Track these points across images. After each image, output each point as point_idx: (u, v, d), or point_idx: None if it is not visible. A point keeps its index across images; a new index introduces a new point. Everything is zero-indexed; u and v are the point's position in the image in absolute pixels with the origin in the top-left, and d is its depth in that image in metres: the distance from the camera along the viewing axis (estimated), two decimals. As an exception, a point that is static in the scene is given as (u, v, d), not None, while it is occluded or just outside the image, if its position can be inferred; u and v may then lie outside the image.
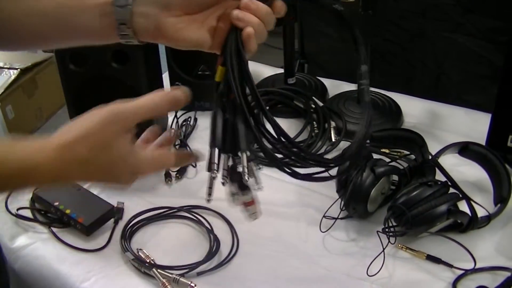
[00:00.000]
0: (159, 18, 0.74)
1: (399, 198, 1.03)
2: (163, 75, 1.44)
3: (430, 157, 1.15)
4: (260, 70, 1.70)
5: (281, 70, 1.60)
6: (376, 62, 1.37)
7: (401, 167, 1.15)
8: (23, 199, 1.22)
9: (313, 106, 1.42)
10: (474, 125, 1.37)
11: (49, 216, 1.17)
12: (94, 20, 0.75)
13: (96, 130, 0.68)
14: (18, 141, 0.68)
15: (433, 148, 1.18)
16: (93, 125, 0.68)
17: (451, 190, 1.04)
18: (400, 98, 1.48)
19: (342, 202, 1.09)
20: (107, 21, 0.74)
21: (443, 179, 1.06)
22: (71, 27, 0.76)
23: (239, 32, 0.73)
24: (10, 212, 1.17)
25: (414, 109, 1.46)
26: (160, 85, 1.34)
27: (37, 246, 1.11)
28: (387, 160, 1.16)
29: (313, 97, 1.44)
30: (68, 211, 1.13)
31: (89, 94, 1.19)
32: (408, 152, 1.24)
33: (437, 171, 1.10)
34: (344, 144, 1.31)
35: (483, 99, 1.48)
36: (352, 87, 1.52)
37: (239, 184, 0.77)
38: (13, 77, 2.37)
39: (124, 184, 0.74)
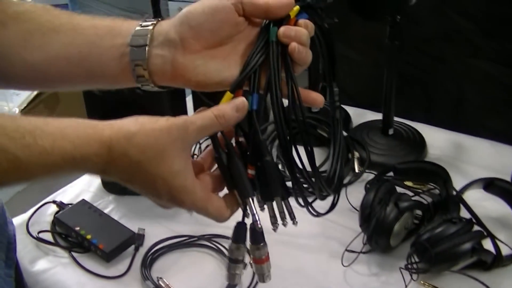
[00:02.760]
0: (176, 57, 0.71)
1: (423, 234, 1.01)
2: (186, 98, 1.44)
3: (454, 192, 1.14)
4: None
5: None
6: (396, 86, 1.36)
7: (425, 202, 1.13)
8: (44, 222, 1.22)
9: (337, 135, 1.41)
10: (500, 158, 1.35)
11: (69, 240, 1.17)
12: (112, 62, 0.73)
13: (158, 136, 0.65)
14: (65, 127, 0.64)
15: (457, 181, 1.17)
16: (158, 129, 0.65)
17: (476, 227, 1.02)
18: (423, 129, 1.47)
19: (365, 236, 1.08)
20: (125, 63, 0.72)
21: (467, 214, 1.05)
22: (93, 71, 0.74)
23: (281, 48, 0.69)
24: (31, 235, 1.18)
25: (438, 140, 1.45)
26: (184, 111, 1.34)
27: (57, 271, 1.11)
28: (411, 194, 1.15)
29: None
30: (89, 237, 1.13)
31: (112, 118, 1.19)
32: (432, 186, 1.23)
33: (461, 206, 1.09)
34: (367, 176, 1.29)
35: (505, 126, 1.47)
36: (376, 116, 1.51)
37: (253, 235, 0.72)
38: (35, 92, 2.38)
39: (162, 205, 0.70)
